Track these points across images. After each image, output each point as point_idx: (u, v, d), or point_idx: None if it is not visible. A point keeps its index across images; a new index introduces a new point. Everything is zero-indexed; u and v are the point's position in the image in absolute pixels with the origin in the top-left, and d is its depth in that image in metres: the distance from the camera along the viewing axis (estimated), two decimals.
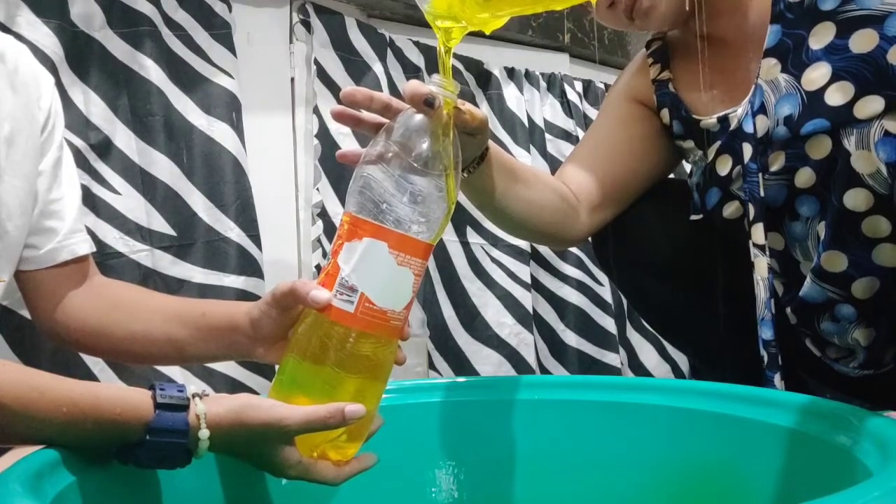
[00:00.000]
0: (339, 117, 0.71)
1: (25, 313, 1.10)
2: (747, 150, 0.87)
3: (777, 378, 0.86)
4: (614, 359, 1.88)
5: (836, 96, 0.79)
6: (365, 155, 0.64)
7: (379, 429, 0.68)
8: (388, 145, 0.63)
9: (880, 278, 0.83)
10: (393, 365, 0.66)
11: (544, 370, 1.80)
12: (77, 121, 1.20)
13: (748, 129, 0.87)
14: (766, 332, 0.87)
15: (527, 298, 1.76)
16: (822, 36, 0.80)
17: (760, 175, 0.86)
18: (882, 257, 0.82)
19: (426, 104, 0.63)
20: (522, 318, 1.75)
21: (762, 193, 0.87)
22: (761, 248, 0.88)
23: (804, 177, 0.84)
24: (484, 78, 1.80)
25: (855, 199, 0.80)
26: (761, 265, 0.88)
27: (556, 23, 1.98)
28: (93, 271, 0.87)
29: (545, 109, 1.90)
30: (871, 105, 0.77)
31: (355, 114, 0.70)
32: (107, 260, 1.19)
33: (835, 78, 0.79)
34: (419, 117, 0.64)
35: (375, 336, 0.63)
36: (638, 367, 1.97)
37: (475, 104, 1.75)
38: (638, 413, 0.79)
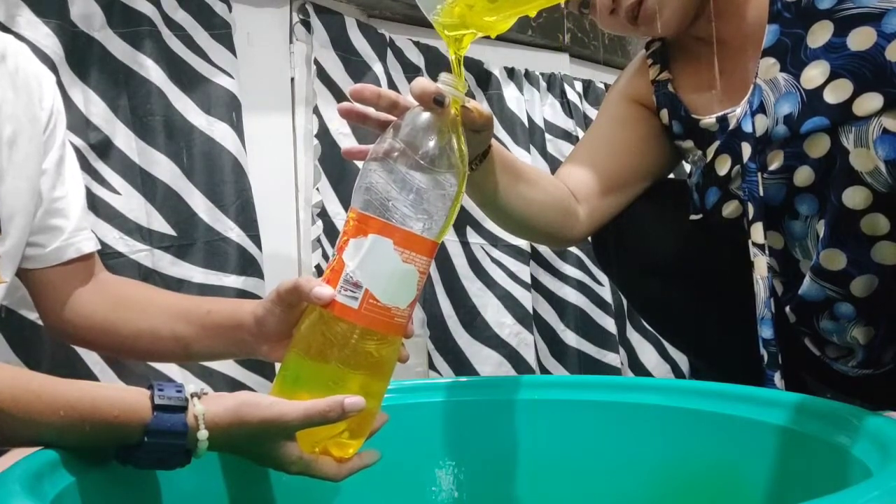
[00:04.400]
0: (346, 114, 0.71)
1: (26, 313, 1.10)
2: (746, 149, 0.87)
3: (777, 377, 0.86)
4: (614, 359, 1.88)
5: (835, 94, 0.79)
6: (372, 152, 0.64)
7: (383, 426, 0.68)
8: (396, 143, 0.63)
9: (879, 276, 0.83)
10: (396, 363, 0.66)
11: (544, 370, 1.80)
12: (77, 121, 1.20)
13: (747, 128, 0.87)
14: (765, 331, 0.87)
15: (527, 298, 1.76)
16: (819, 34, 0.81)
17: (759, 174, 0.87)
18: (881, 255, 0.82)
19: (436, 102, 0.63)
20: (522, 318, 1.75)
21: (761, 193, 0.87)
22: (760, 247, 0.88)
23: (803, 175, 0.84)
24: (484, 78, 1.80)
25: (854, 197, 0.80)
26: (760, 264, 0.88)
27: (556, 23, 1.98)
28: (98, 268, 0.87)
29: (545, 109, 1.90)
30: (870, 102, 0.77)
31: (362, 110, 0.70)
32: (107, 260, 1.19)
33: (833, 76, 0.79)
34: (427, 115, 0.64)
35: (379, 333, 0.63)
36: (638, 367, 1.97)
37: None
38: (638, 413, 0.78)
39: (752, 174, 0.87)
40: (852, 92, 0.78)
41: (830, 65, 0.79)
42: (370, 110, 0.70)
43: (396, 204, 0.61)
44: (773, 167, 0.86)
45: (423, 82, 0.63)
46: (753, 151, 0.87)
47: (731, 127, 0.91)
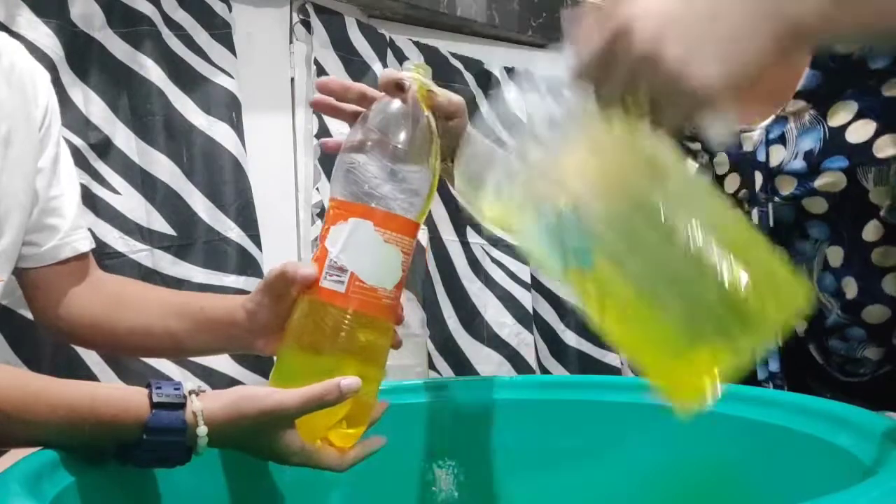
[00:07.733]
0: (316, 105, 0.74)
1: (25, 313, 1.10)
2: (758, 178, 0.86)
3: None
4: (614, 359, 1.88)
5: (857, 134, 0.78)
6: (346, 143, 0.67)
7: (382, 414, 0.68)
8: (367, 131, 0.66)
9: (891, 307, 0.82)
10: (389, 348, 0.67)
11: (544, 370, 1.80)
12: (77, 121, 1.20)
13: (761, 157, 0.86)
14: (772, 364, 0.86)
15: (527, 298, 1.76)
16: (861, 86, 0.80)
17: (770, 205, 0.85)
18: (893, 287, 0.81)
19: (397, 88, 0.66)
20: (522, 318, 1.75)
21: (771, 223, 0.85)
22: None
23: (816, 205, 0.83)
24: (484, 78, 1.80)
25: (866, 230, 0.79)
26: None
27: (556, 23, 1.98)
28: (93, 267, 0.87)
29: None
30: (892, 147, 0.76)
31: (333, 103, 0.73)
32: (107, 260, 1.19)
33: (858, 116, 0.78)
34: (394, 102, 0.67)
35: (369, 315, 0.64)
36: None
37: (476, 104, 1.75)
38: (638, 413, 0.78)
39: (762, 204, 0.86)
40: (874, 132, 0.77)
41: (859, 105, 0.79)
42: (341, 104, 0.73)
43: (373, 187, 0.64)
44: (784, 193, 0.85)
45: (387, 71, 0.67)
46: (765, 181, 0.86)
47: (744, 149, 0.89)
